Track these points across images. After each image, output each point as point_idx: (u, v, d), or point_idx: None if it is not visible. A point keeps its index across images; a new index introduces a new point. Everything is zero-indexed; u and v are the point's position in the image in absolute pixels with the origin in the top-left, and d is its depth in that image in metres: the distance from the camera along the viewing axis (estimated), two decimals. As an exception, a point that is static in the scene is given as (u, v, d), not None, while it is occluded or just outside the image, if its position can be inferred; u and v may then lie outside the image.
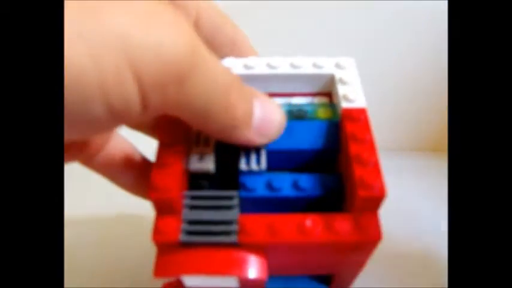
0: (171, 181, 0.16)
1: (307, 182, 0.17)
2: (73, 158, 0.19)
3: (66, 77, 0.11)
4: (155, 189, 0.16)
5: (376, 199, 0.15)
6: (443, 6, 0.33)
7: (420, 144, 0.41)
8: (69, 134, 0.13)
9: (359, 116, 0.17)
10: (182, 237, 0.16)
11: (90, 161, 0.20)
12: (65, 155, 0.18)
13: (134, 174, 0.21)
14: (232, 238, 0.16)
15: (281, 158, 0.18)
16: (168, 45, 0.12)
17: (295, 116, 0.19)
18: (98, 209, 0.31)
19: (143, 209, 0.30)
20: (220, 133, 0.16)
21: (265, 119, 0.17)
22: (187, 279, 0.16)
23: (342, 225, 0.16)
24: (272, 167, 0.18)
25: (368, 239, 0.16)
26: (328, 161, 0.18)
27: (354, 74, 0.19)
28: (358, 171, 0.16)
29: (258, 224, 0.16)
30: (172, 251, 0.16)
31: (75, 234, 0.29)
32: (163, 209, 0.16)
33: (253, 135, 0.16)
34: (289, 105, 0.20)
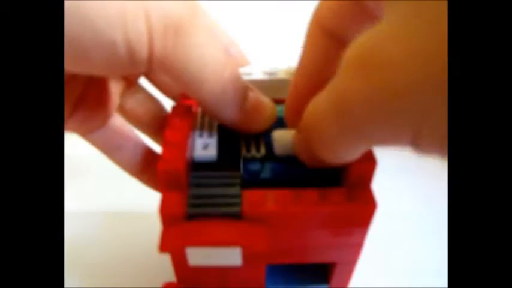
0: (179, 156, 0.17)
1: (305, 167, 0.19)
2: (75, 128, 0.20)
3: (96, 6, 0.14)
4: (164, 160, 0.17)
5: (369, 169, 0.17)
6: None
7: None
8: (93, 64, 0.15)
9: None
10: (188, 210, 0.17)
11: (89, 134, 0.21)
12: (68, 124, 0.20)
13: (130, 154, 0.22)
14: (236, 209, 0.17)
15: None
16: (173, 2, 0.15)
17: None
18: (101, 206, 0.31)
19: (146, 207, 0.30)
20: (212, 107, 0.18)
21: (256, 108, 0.19)
22: (191, 254, 0.17)
23: (339, 195, 0.17)
24: (272, 157, 0.19)
25: (363, 206, 0.17)
26: None
27: None
28: None
29: (260, 196, 0.17)
30: (177, 225, 0.17)
31: (78, 232, 0.29)
32: (170, 182, 0.17)
33: (242, 120, 0.19)
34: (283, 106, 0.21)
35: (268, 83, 0.22)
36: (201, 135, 0.20)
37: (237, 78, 0.18)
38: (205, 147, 0.19)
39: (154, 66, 0.16)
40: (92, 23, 0.14)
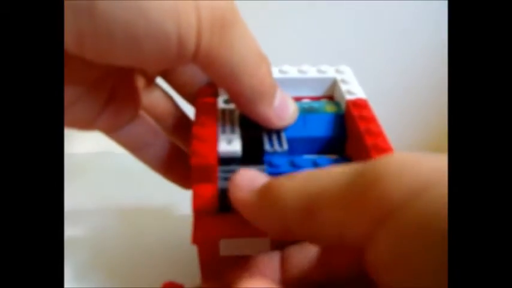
0: (210, 151, 0.18)
1: (324, 162, 0.20)
2: (105, 125, 0.21)
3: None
4: (196, 155, 0.18)
5: None
6: (444, 6, 0.34)
7: (420, 144, 0.41)
8: (144, 56, 0.15)
9: (362, 103, 0.21)
10: (219, 203, 0.17)
11: (117, 132, 0.21)
12: (98, 121, 0.20)
13: (157, 152, 0.23)
14: None
15: (298, 144, 0.21)
16: (223, 4, 0.16)
17: (306, 110, 0.22)
18: (99, 206, 0.31)
19: (145, 206, 0.30)
20: (248, 100, 0.18)
21: (283, 104, 0.20)
22: (224, 245, 0.18)
23: None
24: (290, 152, 0.20)
25: None
26: (337, 147, 0.21)
27: (352, 76, 0.23)
28: (370, 140, 0.18)
29: None
30: (209, 217, 0.17)
31: (76, 231, 0.29)
32: (201, 175, 0.18)
33: (273, 114, 0.19)
34: (301, 103, 0.22)
35: (281, 81, 0.22)
36: (223, 131, 0.20)
37: (271, 73, 0.19)
38: (229, 142, 0.19)
39: (199, 59, 0.16)
40: (147, 13, 0.14)
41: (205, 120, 0.19)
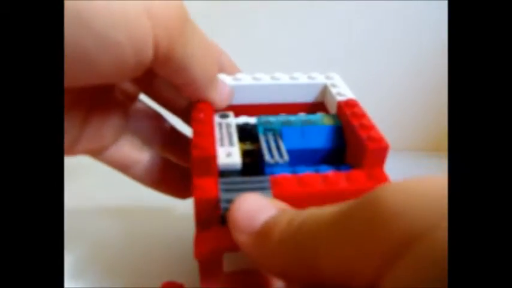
0: (210, 144, 0.18)
1: (326, 170, 0.20)
2: (87, 148, 0.20)
3: (97, 8, 0.13)
4: (197, 148, 0.18)
5: (383, 149, 0.19)
6: (444, 6, 0.33)
7: (420, 144, 0.41)
8: (99, 71, 0.15)
9: (353, 103, 0.22)
10: (222, 215, 0.17)
11: (100, 154, 0.21)
12: (79, 144, 0.20)
13: (145, 168, 0.23)
14: (267, 193, 0.18)
15: (297, 156, 0.21)
16: (175, 4, 0.16)
17: (304, 122, 0.22)
18: (98, 206, 0.31)
19: (144, 205, 0.30)
20: (198, 87, 0.20)
21: (223, 87, 0.22)
22: (228, 260, 0.18)
23: (358, 176, 0.19)
24: (290, 164, 0.21)
25: (383, 183, 0.18)
26: (335, 159, 0.22)
27: (341, 81, 0.24)
28: (364, 133, 0.19)
29: (289, 180, 0.18)
30: (211, 231, 0.18)
31: (76, 231, 0.29)
32: (202, 168, 0.18)
33: (218, 97, 0.21)
34: (298, 116, 0.23)
35: (255, 88, 0.24)
36: (222, 145, 0.20)
37: (216, 61, 0.20)
38: (229, 155, 0.19)
39: (158, 62, 0.16)
40: (94, 25, 0.14)
41: (203, 118, 0.20)
